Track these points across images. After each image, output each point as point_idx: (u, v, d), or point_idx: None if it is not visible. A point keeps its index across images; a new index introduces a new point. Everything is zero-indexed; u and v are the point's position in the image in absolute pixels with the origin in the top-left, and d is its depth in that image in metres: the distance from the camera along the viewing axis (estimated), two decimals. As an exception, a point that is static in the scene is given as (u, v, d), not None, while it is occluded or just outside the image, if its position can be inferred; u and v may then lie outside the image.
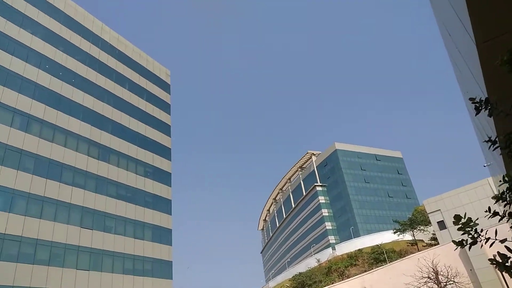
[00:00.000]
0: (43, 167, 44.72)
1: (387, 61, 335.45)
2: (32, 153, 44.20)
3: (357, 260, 76.08)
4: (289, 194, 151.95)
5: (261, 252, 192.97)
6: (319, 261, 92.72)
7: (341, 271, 71.18)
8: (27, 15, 50.17)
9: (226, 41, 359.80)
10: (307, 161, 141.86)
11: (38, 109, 47.08)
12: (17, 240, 39.13)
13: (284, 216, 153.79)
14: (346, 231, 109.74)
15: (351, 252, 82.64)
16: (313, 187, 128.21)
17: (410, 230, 73.27)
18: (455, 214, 5.49)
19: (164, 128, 68.24)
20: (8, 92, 44.15)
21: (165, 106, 70.90)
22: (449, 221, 51.25)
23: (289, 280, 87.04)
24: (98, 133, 54.29)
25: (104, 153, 53.98)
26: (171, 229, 59.98)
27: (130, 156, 58.09)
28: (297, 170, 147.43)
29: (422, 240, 73.84)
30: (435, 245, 59.65)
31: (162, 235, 57.87)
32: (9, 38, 46.74)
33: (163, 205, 60.42)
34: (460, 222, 5.46)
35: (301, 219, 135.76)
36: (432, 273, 38.91)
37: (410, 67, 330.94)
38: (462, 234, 5.46)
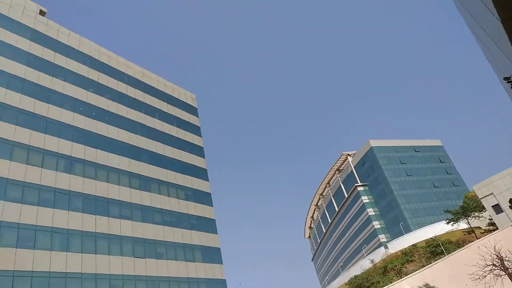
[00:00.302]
0: (91, 204, 46.56)
1: (405, 49, 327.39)
2: (79, 193, 46.17)
3: (413, 255, 73.17)
4: (331, 198, 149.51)
5: (312, 260, 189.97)
6: (373, 261, 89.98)
7: (398, 269, 68.66)
8: (57, 64, 53.17)
9: (239, 45, 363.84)
10: (343, 162, 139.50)
11: (79, 150, 49.31)
12: (77, 277, 40.67)
13: (329, 221, 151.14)
14: (396, 228, 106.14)
15: (405, 249, 79.67)
16: (354, 188, 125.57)
17: (464, 218, 69.79)
18: (510, 198, 5.19)
19: (198, 151, 69.48)
20: (49, 138, 46.61)
21: (195, 129, 72.35)
22: (504, 204, 48.53)
23: (346, 284, 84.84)
24: (137, 164, 56.02)
25: (145, 183, 55.52)
26: (219, 248, 60.34)
27: (170, 182, 59.40)
28: (334, 173, 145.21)
29: (479, 227, 70.14)
30: (493, 230, 56.46)
31: (212, 255, 58.32)
32: (44, 87, 49.60)
33: (208, 225, 61.08)
34: None
35: (347, 222, 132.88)
36: (497, 260, 36.59)
37: (431, 53, 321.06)
38: None
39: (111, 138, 54.87)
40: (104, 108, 56.50)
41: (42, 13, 55.85)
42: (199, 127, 74.03)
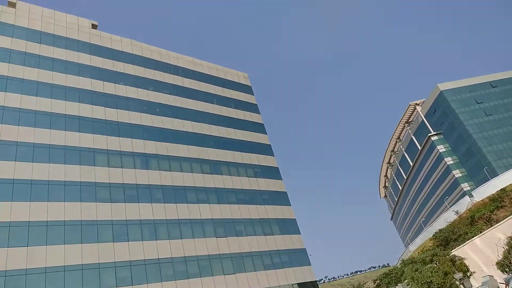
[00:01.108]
0: (169, 194, 50.24)
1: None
2: (158, 185, 49.96)
3: (503, 201, 68.12)
4: (403, 153, 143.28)
5: (391, 219, 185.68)
6: (457, 212, 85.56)
7: (487, 217, 64.62)
8: (117, 71, 56.90)
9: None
10: (412, 113, 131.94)
11: (151, 147, 52.98)
12: (168, 261, 44.70)
13: (405, 177, 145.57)
14: (480, 174, 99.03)
15: (493, 195, 74.36)
16: (428, 138, 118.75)
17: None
18: None
19: (259, 128, 70.60)
20: (123, 140, 50.67)
21: (253, 108, 73.34)
22: None
23: (430, 240, 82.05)
24: (205, 151, 58.73)
25: (215, 167, 58.18)
26: (295, 219, 61.74)
27: (237, 163, 61.52)
28: (404, 126, 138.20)
29: None
30: None
31: (289, 226, 59.96)
32: (110, 95, 53.61)
33: (280, 198, 62.58)
34: None
35: (424, 175, 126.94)
36: None
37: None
38: None
39: (177, 130, 57.97)
40: (165, 103, 59.59)
41: (94, 26, 59.64)
42: (256, 105, 74.89)
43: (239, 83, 75.35)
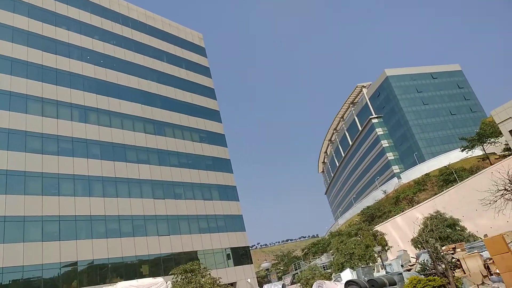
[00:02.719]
0: (108, 151, 48.34)
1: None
2: (96, 141, 47.73)
3: (426, 185, 74.61)
4: (345, 133, 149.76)
5: (325, 193, 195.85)
6: (385, 192, 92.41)
7: (409, 198, 70.57)
8: (58, 13, 52.05)
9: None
10: (358, 95, 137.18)
11: (91, 99, 50.03)
12: (101, 219, 43.67)
13: (343, 155, 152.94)
14: (410, 158, 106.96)
15: (418, 178, 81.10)
16: (369, 121, 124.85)
17: (479, 145, 69.51)
18: None
19: (209, 92, 69.34)
20: (61, 90, 47.25)
21: (204, 71, 71.56)
22: (522, 128, 47.58)
23: (358, 215, 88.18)
24: (149, 109, 56.75)
25: (159, 128, 56.65)
26: (235, 186, 62.74)
27: (183, 126, 60.40)
28: (349, 107, 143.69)
29: (493, 153, 70.03)
30: (509, 155, 56.28)
31: (228, 193, 60.91)
32: (49, 38, 49.14)
33: (223, 165, 62.97)
34: None
35: (361, 155, 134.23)
36: (509, 184, 36.92)
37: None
38: None
39: (121, 85, 55.10)
40: (111, 54, 56.03)
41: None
42: (209, 68, 73.09)
43: (193, 43, 72.69)
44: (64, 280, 38.52)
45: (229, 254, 55.49)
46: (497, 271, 18.38)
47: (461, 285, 18.21)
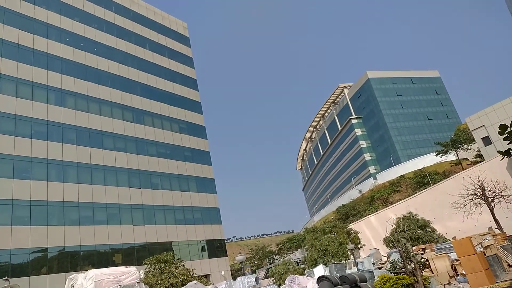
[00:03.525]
0: (84, 137, 47.15)
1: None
2: (72, 125, 46.46)
3: (400, 186, 76.35)
4: (324, 131, 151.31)
5: (302, 190, 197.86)
6: (361, 191, 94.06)
7: (384, 198, 72.05)
8: (38, -10, 50.15)
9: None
10: (339, 95, 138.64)
11: (69, 83, 48.58)
12: (75, 205, 42.65)
13: (322, 153, 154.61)
14: (387, 160, 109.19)
15: (393, 180, 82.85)
16: (348, 121, 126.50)
17: (453, 150, 71.60)
18: (501, 124, 5.31)
19: (191, 83, 68.56)
20: (38, 71, 45.64)
21: (188, 61, 70.66)
22: (494, 136, 49.24)
23: (333, 213, 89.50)
24: (129, 97, 55.63)
25: (138, 116, 55.66)
26: (213, 178, 62.50)
27: (163, 115, 59.54)
28: (329, 106, 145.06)
29: (466, 159, 72.24)
30: (480, 162, 58.16)
31: (206, 185, 60.62)
32: (27, 17, 47.31)
33: (202, 157, 62.56)
34: (506, 132, 5.27)
35: (339, 154, 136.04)
36: (478, 189, 38.23)
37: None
38: (509, 143, 5.30)
39: (101, 70, 53.76)
40: (91, 38, 54.51)
41: None
42: (192, 58, 72.21)
43: (177, 32, 71.55)
44: (34, 266, 37.52)
45: (204, 246, 55.35)
46: (463, 272, 19.00)
47: (429, 284, 18.75)
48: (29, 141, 41.37)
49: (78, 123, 47.32)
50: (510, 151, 5.32)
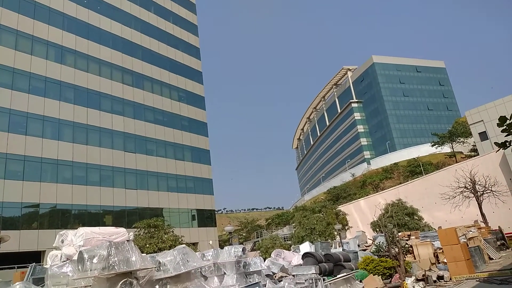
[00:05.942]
0: (82, 96, 46.72)
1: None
2: (70, 84, 45.93)
3: (393, 173, 77.01)
4: (324, 113, 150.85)
5: (296, 169, 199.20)
6: (353, 175, 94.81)
7: (376, 184, 72.80)
8: None
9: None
10: (342, 77, 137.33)
11: (70, 40, 47.66)
12: (69, 164, 42.77)
13: (319, 134, 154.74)
14: (382, 146, 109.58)
15: (387, 166, 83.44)
16: (349, 104, 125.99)
17: (449, 143, 71.88)
18: (500, 116, 5.30)
19: (193, 51, 67.49)
20: (38, 25, 44.63)
21: (192, 28, 69.25)
22: (491, 132, 49.36)
23: (324, 193, 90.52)
24: (130, 60, 54.81)
25: (138, 80, 55.05)
26: (209, 150, 62.66)
27: (163, 82, 58.91)
28: (331, 88, 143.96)
29: (461, 152, 72.67)
30: (474, 156, 58.55)
31: (201, 156, 60.82)
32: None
33: (199, 127, 62.44)
34: (505, 124, 5.27)
35: (335, 136, 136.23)
36: (469, 183, 38.69)
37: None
38: (506, 135, 5.31)
39: (103, 29, 52.66)
40: (95, -4, 53.06)
41: None
42: (196, 26, 70.77)
43: (184, -3, 69.72)
44: (25, 221, 37.98)
45: (194, 215, 56.11)
46: (445, 260, 19.47)
47: (410, 268, 19.22)
48: (26, 96, 40.95)
49: (77, 82, 46.76)
50: (507, 143, 5.34)
